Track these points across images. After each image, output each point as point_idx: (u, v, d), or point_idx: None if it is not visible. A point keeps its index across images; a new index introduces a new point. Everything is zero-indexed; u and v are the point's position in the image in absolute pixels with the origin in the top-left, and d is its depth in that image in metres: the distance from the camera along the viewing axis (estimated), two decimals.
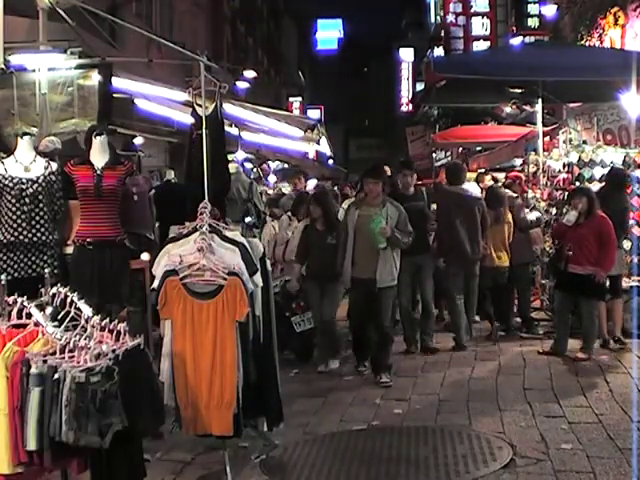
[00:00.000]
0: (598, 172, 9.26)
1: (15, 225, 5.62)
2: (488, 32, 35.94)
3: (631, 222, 8.61)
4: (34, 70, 6.36)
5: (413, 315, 8.31)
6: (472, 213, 8.30)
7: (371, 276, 7.01)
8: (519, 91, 11.49)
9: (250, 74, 19.79)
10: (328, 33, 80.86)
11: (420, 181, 11.45)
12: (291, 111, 35.21)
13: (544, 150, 10.87)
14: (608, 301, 8.02)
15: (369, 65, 79.61)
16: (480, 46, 34.77)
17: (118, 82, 7.16)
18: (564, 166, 9.81)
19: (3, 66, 6.33)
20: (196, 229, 4.92)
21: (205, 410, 4.77)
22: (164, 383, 4.70)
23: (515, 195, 9.71)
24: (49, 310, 3.84)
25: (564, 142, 10.48)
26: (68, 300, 3.86)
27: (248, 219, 9.28)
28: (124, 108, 8.71)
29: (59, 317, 3.81)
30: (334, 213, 7.90)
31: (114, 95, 6.90)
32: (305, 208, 8.12)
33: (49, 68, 6.38)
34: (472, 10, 36.44)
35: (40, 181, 5.67)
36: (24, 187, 5.62)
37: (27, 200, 5.62)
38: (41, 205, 5.67)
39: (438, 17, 43.54)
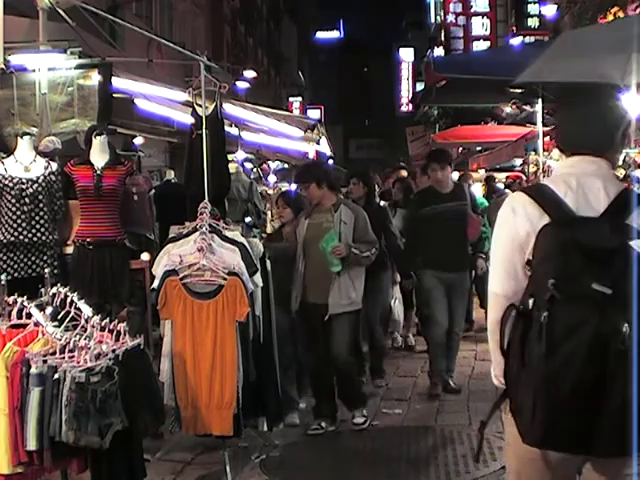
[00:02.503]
0: None
1: (15, 225, 5.62)
2: (488, 32, 35.95)
3: None
4: (34, 70, 6.35)
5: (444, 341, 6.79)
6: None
7: (325, 300, 5.66)
8: (519, 91, 11.48)
9: (250, 74, 19.80)
10: (328, 33, 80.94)
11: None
12: (291, 111, 35.19)
13: (544, 150, 10.85)
14: None
15: (369, 65, 79.62)
16: (480, 46, 34.78)
17: (118, 82, 7.15)
18: None
19: (3, 66, 6.32)
20: (196, 229, 4.92)
21: (205, 410, 4.77)
22: (164, 383, 4.71)
23: None
24: (49, 310, 3.84)
25: None
26: (68, 300, 3.86)
27: (248, 219, 9.28)
28: (124, 108, 8.70)
29: (59, 317, 3.81)
30: None
31: (114, 95, 6.88)
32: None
33: (49, 68, 6.37)
34: (472, 10, 36.45)
35: (40, 181, 5.67)
36: (24, 187, 5.62)
37: (27, 200, 5.62)
38: (41, 205, 5.67)
39: (438, 17, 43.57)
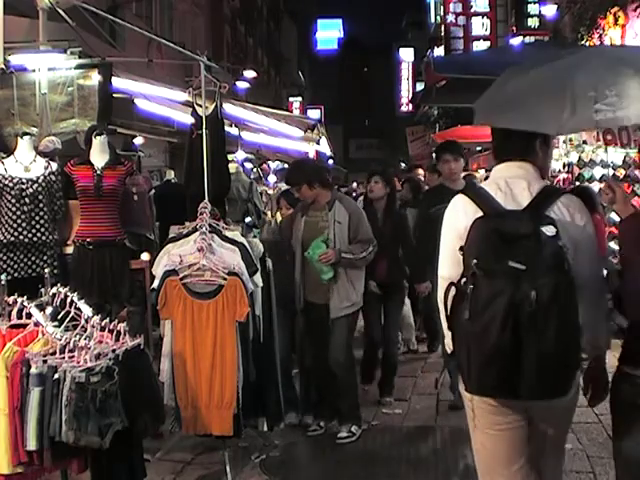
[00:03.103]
0: (598, 172, 9.26)
1: (15, 225, 5.62)
2: (488, 32, 35.90)
3: None
4: (34, 70, 6.35)
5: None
6: None
7: (326, 301, 5.58)
8: None
9: (250, 74, 19.78)
10: (328, 33, 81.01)
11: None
12: (291, 111, 35.20)
13: None
14: None
15: (369, 65, 79.67)
16: (480, 46, 34.71)
17: (118, 82, 7.15)
18: (564, 166, 9.82)
19: (3, 66, 6.32)
20: (196, 229, 4.92)
21: (205, 410, 4.77)
22: (164, 383, 4.71)
23: None
24: (49, 310, 3.84)
25: (564, 142, 10.49)
26: (68, 300, 3.86)
27: (248, 219, 9.27)
28: (124, 108, 8.71)
29: (59, 317, 3.81)
30: None
31: (114, 95, 6.88)
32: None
33: (49, 68, 6.37)
34: (472, 10, 36.39)
35: (40, 181, 5.67)
36: (24, 187, 5.62)
37: (27, 200, 5.62)
38: (41, 205, 5.67)
39: (438, 17, 43.51)
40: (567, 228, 2.83)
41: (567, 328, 2.68)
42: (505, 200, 2.91)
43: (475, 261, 2.73)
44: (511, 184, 2.97)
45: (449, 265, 2.98)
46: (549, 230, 2.72)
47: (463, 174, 6.82)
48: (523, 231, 2.73)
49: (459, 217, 2.97)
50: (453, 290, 2.86)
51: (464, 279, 2.79)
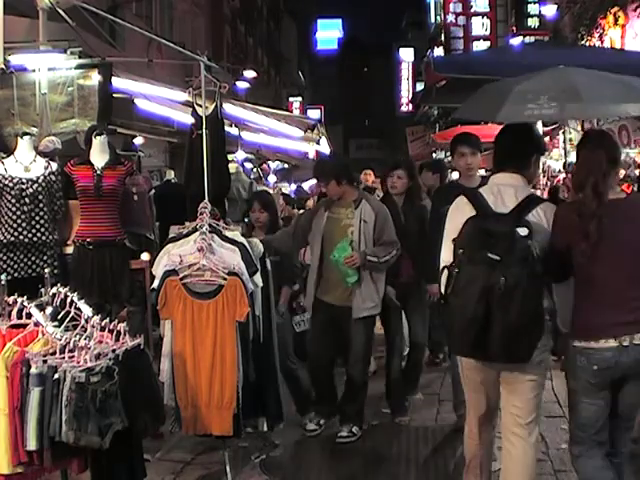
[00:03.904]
0: None
1: (15, 225, 5.62)
2: (488, 32, 35.91)
3: None
4: (34, 70, 6.36)
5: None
6: None
7: (344, 302, 5.47)
8: None
9: (250, 74, 19.79)
10: (328, 33, 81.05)
11: None
12: (291, 111, 35.20)
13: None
14: None
15: (369, 65, 79.69)
16: (480, 46, 34.73)
17: (118, 82, 7.15)
18: (564, 166, 9.82)
19: (3, 66, 6.32)
20: (196, 229, 4.92)
21: (205, 410, 4.77)
22: (164, 383, 4.70)
23: None
24: (49, 310, 3.84)
25: (564, 142, 10.49)
26: (68, 300, 3.86)
27: (248, 219, 9.27)
28: (124, 108, 8.71)
29: (59, 317, 3.81)
30: (279, 221, 6.33)
31: (114, 95, 6.89)
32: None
33: (49, 68, 6.37)
34: (472, 10, 36.41)
35: (40, 181, 5.68)
36: (24, 187, 5.63)
37: (27, 200, 5.63)
38: (41, 205, 5.67)
39: (438, 17, 43.53)
40: (540, 230, 3.49)
41: (527, 308, 3.35)
42: (495, 204, 3.60)
43: (461, 250, 3.47)
44: (502, 191, 3.65)
45: (448, 252, 3.60)
46: (523, 231, 3.40)
47: (482, 172, 6.31)
48: (502, 230, 3.42)
49: (458, 215, 3.64)
50: (446, 272, 3.54)
51: (453, 264, 3.50)
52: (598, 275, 3.42)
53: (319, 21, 78.66)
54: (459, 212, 3.64)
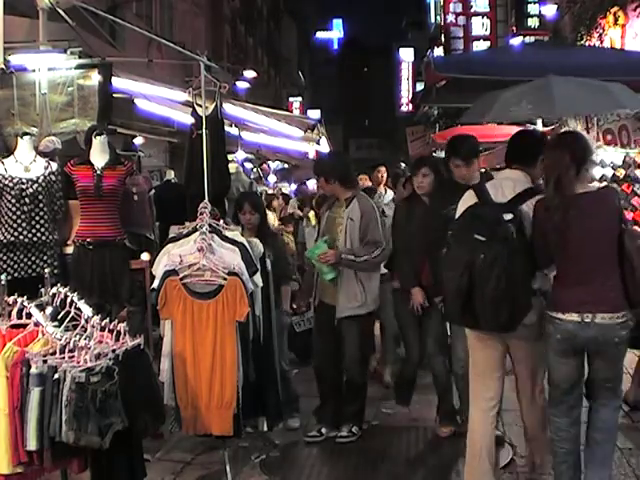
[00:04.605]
0: (598, 172, 9.25)
1: (15, 225, 5.62)
2: (488, 32, 35.92)
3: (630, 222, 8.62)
4: (34, 70, 6.35)
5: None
6: None
7: (334, 301, 5.51)
8: None
9: (250, 74, 19.79)
10: (328, 33, 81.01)
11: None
12: (291, 111, 35.20)
13: None
14: None
15: (369, 65, 79.69)
16: (480, 46, 34.73)
17: (118, 82, 7.14)
18: None
19: (3, 66, 6.32)
20: (196, 229, 4.92)
21: (205, 410, 4.77)
22: (164, 383, 4.71)
23: None
24: (49, 310, 3.84)
25: None
26: (68, 300, 3.86)
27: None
28: (124, 108, 8.70)
29: (59, 317, 3.81)
30: (268, 222, 6.24)
31: (114, 95, 6.88)
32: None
33: (49, 68, 6.36)
34: (472, 10, 36.41)
35: (40, 181, 5.67)
36: (24, 187, 5.63)
37: (27, 200, 5.62)
38: (41, 205, 5.67)
39: (438, 17, 43.53)
40: (528, 218, 3.99)
41: (505, 283, 3.83)
42: (496, 195, 4.12)
43: (451, 232, 4.10)
44: (503, 184, 4.20)
45: None
46: (507, 216, 3.94)
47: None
48: (491, 215, 3.98)
49: (464, 204, 4.21)
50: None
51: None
52: (567, 258, 3.90)
53: (319, 21, 78.65)
54: (464, 203, 4.21)
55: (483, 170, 14.00)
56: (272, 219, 12.40)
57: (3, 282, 4.09)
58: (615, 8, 15.68)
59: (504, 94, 6.43)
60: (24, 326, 3.75)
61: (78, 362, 3.51)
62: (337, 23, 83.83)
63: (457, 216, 4.22)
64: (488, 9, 36.11)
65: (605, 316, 3.82)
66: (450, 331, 5.46)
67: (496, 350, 4.25)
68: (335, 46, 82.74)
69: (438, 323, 5.49)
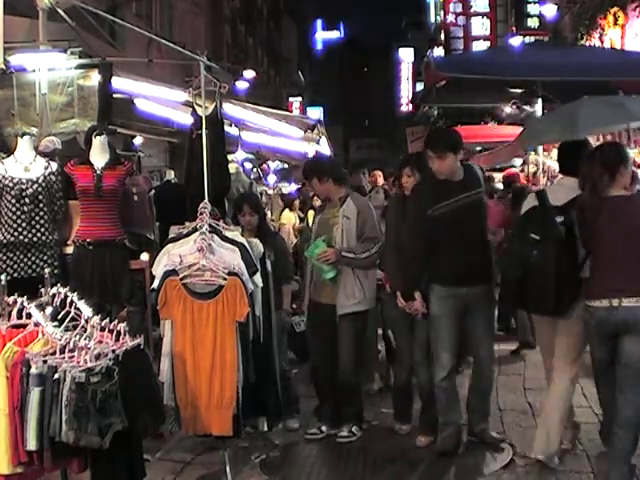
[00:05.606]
0: None
1: (15, 225, 5.62)
2: (488, 32, 35.97)
3: None
4: (34, 70, 6.35)
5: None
6: None
7: (331, 301, 5.52)
8: (519, 91, 11.50)
9: (250, 74, 19.82)
10: (328, 33, 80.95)
11: None
12: (291, 111, 35.18)
13: (544, 150, 10.86)
14: None
15: (369, 65, 79.70)
16: (480, 46, 34.78)
17: (118, 82, 7.13)
18: None
19: (3, 66, 6.32)
20: (196, 229, 4.92)
21: (205, 410, 4.77)
22: (164, 383, 4.70)
23: None
24: (49, 310, 3.84)
25: None
26: (68, 300, 3.86)
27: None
28: (124, 108, 8.69)
29: (59, 317, 3.81)
30: (267, 223, 6.25)
31: (114, 95, 6.88)
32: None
33: (49, 68, 6.36)
34: (472, 10, 36.47)
35: (40, 181, 5.67)
36: (24, 187, 5.62)
37: (27, 200, 5.62)
38: (41, 205, 5.67)
39: (438, 17, 43.59)
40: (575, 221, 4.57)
41: (552, 277, 4.55)
42: (553, 199, 4.71)
43: (511, 231, 5.19)
44: (558, 190, 4.87)
45: None
46: (559, 218, 4.57)
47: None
48: (546, 218, 4.62)
49: (527, 205, 4.87)
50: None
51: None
52: (600, 252, 4.42)
53: (319, 21, 78.62)
54: (527, 205, 4.86)
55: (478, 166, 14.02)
56: (293, 219, 12.37)
57: (3, 282, 4.08)
58: (615, 8, 15.70)
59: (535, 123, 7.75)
60: (24, 326, 3.76)
61: (78, 362, 3.51)
62: (337, 23, 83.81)
63: (520, 215, 4.94)
64: (488, 9, 36.16)
65: (632, 299, 4.25)
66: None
67: (551, 329, 4.85)
68: (335, 46, 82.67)
69: (425, 330, 5.31)
